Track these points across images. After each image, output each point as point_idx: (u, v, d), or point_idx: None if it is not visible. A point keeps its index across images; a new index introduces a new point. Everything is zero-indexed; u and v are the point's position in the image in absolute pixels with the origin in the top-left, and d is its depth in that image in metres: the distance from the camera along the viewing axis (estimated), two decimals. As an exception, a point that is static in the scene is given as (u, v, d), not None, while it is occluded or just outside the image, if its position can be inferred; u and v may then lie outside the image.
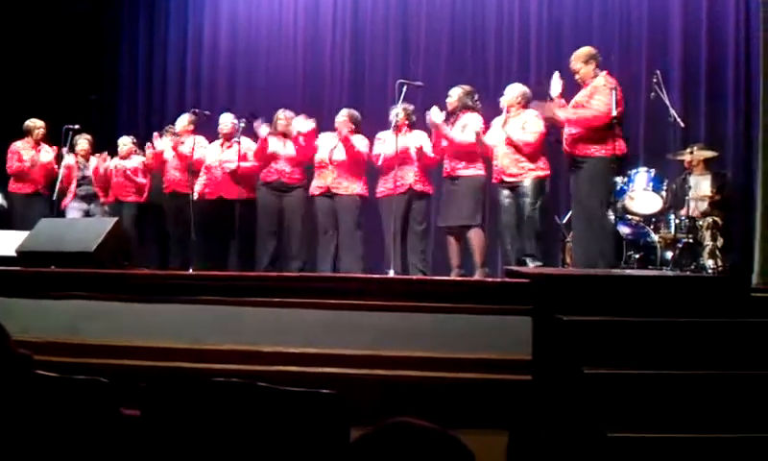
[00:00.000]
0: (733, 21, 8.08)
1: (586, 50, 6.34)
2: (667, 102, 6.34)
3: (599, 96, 6.04)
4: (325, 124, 7.65)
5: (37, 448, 2.25)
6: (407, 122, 7.03)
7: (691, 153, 6.90)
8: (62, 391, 2.34)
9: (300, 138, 7.24)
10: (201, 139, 7.79)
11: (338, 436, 2.15)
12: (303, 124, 7.23)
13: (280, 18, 9.67)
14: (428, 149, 6.90)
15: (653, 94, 6.41)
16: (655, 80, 6.40)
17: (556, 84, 6.27)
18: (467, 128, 6.71)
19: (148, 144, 8.03)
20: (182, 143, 7.70)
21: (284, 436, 2.21)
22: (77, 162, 8.13)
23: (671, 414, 3.71)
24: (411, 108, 7.11)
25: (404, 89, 6.66)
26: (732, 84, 8.01)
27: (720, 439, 3.61)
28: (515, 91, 6.73)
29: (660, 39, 8.32)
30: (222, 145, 7.57)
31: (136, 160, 8.12)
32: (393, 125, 6.72)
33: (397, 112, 6.75)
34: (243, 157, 7.31)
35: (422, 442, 1.40)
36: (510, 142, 6.50)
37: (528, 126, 6.49)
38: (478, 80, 8.19)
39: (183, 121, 7.92)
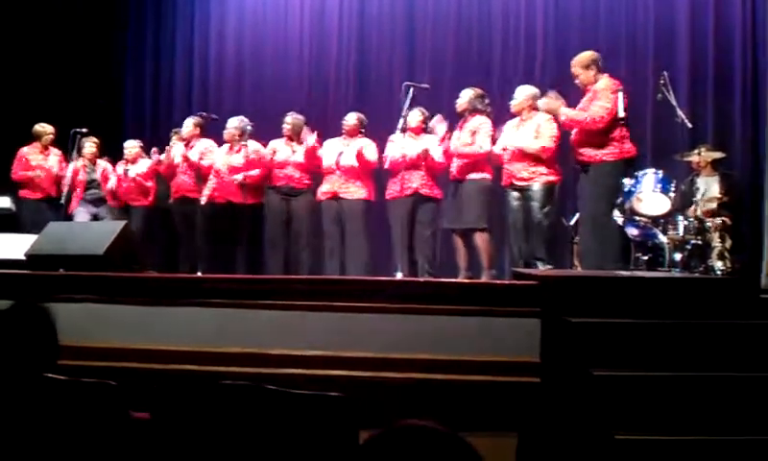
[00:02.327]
0: (740, 21, 8.05)
1: (586, 55, 6.28)
2: (674, 103, 6.32)
3: (599, 101, 6.02)
4: (331, 125, 7.65)
5: (47, 452, 2.26)
6: (423, 126, 7.03)
7: (699, 154, 6.87)
8: (72, 394, 2.35)
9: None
10: (209, 143, 7.80)
11: (347, 439, 2.16)
12: (309, 138, 7.26)
13: (286, 20, 9.68)
14: (435, 153, 6.88)
15: (660, 95, 6.38)
16: (662, 80, 6.38)
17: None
18: (477, 134, 6.70)
19: (154, 149, 8.03)
20: (191, 148, 7.71)
21: (293, 439, 2.22)
22: (84, 166, 8.14)
23: (680, 416, 3.71)
24: (426, 112, 7.11)
25: (410, 91, 6.65)
26: (740, 84, 7.99)
27: (729, 441, 3.60)
28: (524, 93, 6.69)
29: (666, 40, 8.30)
30: (230, 149, 7.56)
31: (144, 165, 8.13)
32: (399, 127, 6.72)
33: (405, 115, 6.73)
34: (250, 163, 7.33)
35: (431, 444, 1.40)
36: (521, 147, 6.48)
37: (543, 130, 6.46)
38: (483, 81, 8.18)
39: (189, 125, 7.89)
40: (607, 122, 5.97)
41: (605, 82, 6.13)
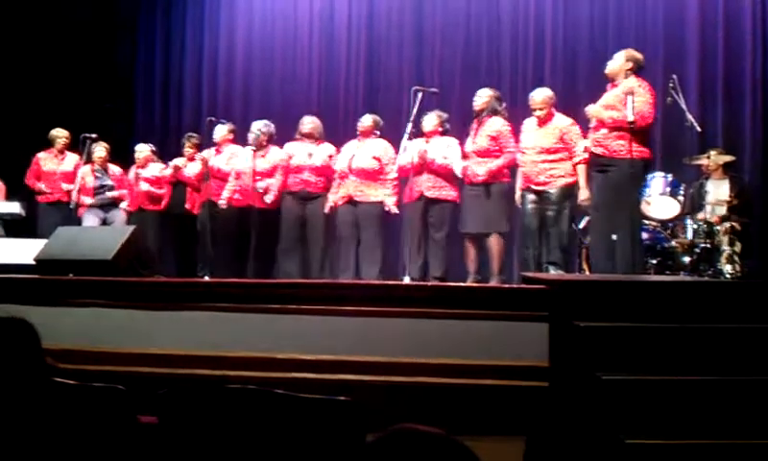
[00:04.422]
0: (750, 24, 8.05)
1: (636, 53, 6.14)
2: (684, 106, 6.30)
3: (638, 98, 5.84)
4: (341, 130, 7.66)
5: (56, 456, 2.26)
6: (440, 129, 7.02)
7: (708, 157, 6.86)
8: (80, 398, 2.36)
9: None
10: (237, 148, 7.79)
11: (354, 443, 2.15)
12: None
13: (295, 25, 9.70)
14: (442, 154, 6.84)
15: (669, 98, 6.37)
16: (671, 84, 6.36)
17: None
18: (500, 140, 6.66)
19: (175, 163, 8.10)
20: (220, 153, 7.71)
21: (301, 443, 2.22)
22: (94, 170, 8.18)
23: (689, 420, 3.69)
24: (444, 115, 7.09)
25: (419, 96, 6.65)
26: (750, 87, 7.98)
27: (740, 446, 3.58)
28: (543, 96, 6.65)
29: (676, 43, 8.29)
30: (256, 153, 7.44)
31: (154, 169, 8.16)
32: (407, 132, 6.71)
33: (413, 119, 6.72)
34: (275, 169, 7.33)
35: (427, 448, 1.40)
36: (540, 151, 6.47)
37: (572, 138, 6.45)
38: (493, 85, 8.18)
39: (223, 131, 7.88)
40: (650, 119, 5.84)
41: (634, 80, 5.94)
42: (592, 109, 6.08)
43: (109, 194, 8.19)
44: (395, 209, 7.04)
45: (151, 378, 4.16)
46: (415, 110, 6.67)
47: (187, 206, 8.00)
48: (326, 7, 9.59)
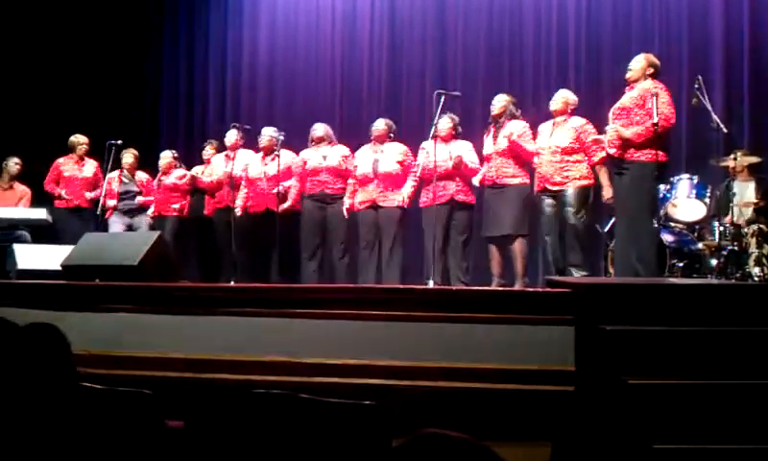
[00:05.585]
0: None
1: (656, 60, 6.21)
2: (709, 107, 6.24)
3: (660, 100, 5.88)
4: (364, 134, 7.67)
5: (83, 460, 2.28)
6: (453, 132, 7.02)
7: (735, 159, 6.79)
8: (108, 403, 2.37)
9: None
10: (248, 153, 7.88)
11: (380, 448, 2.15)
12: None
13: (318, 31, 9.74)
14: (468, 158, 6.88)
15: (695, 100, 6.31)
16: (696, 85, 6.30)
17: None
18: (523, 137, 6.71)
19: (193, 171, 8.17)
20: (233, 159, 7.78)
21: (326, 448, 2.21)
22: (120, 176, 8.26)
23: (718, 425, 3.65)
24: (456, 118, 7.10)
25: (442, 99, 6.64)
26: (776, 87, 7.89)
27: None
28: (562, 96, 6.70)
29: (701, 43, 8.23)
30: (263, 158, 7.62)
31: (177, 175, 8.21)
32: (431, 135, 6.71)
33: (436, 123, 6.73)
34: (286, 173, 7.37)
35: (453, 453, 1.39)
36: (555, 151, 6.46)
37: (586, 138, 6.46)
38: (516, 88, 8.15)
39: (234, 136, 7.96)
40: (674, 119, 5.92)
41: (650, 83, 6.01)
42: (615, 132, 6.05)
43: (136, 199, 8.28)
44: (406, 201, 7.10)
45: (177, 383, 4.18)
46: (437, 114, 6.68)
47: (206, 211, 8.06)
48: (349, 9, 9.62)
